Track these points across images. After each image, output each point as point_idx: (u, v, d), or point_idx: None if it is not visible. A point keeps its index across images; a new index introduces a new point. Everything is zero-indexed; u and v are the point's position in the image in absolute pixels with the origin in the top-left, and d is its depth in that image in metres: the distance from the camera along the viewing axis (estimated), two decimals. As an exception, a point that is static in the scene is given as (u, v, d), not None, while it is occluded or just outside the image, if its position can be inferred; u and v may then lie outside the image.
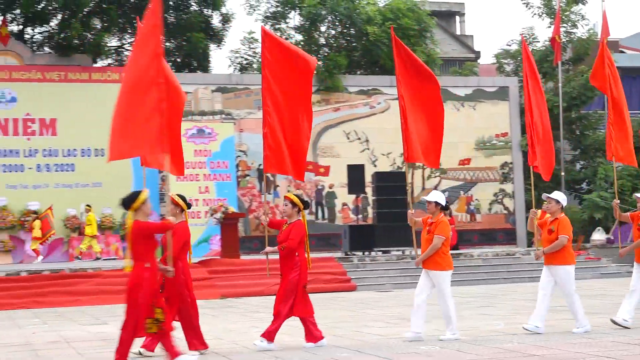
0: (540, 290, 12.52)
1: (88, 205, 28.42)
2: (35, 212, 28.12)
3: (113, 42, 37.24)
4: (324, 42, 36.10)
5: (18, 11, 34.30)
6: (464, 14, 51.64)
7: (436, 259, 11.97)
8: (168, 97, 10.55)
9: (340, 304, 19.39)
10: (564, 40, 34.55)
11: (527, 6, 36.86)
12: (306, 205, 11.95)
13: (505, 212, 34.29)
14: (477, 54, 48.55)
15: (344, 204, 32.60)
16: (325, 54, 35.22)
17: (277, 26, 36.19)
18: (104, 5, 33.83)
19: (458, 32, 50.58)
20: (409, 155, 13.22)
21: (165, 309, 9.92)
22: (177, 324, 10.93)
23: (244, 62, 37.23)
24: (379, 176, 27.56)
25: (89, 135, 29.50)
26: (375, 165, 32.03)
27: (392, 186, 26.91)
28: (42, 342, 13.51)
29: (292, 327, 14.39)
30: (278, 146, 12.29)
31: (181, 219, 11.46)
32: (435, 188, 33.73)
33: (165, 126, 10.06)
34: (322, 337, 11.67)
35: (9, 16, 34.12)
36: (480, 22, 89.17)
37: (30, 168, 29.48)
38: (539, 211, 12.96)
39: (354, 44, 35.51)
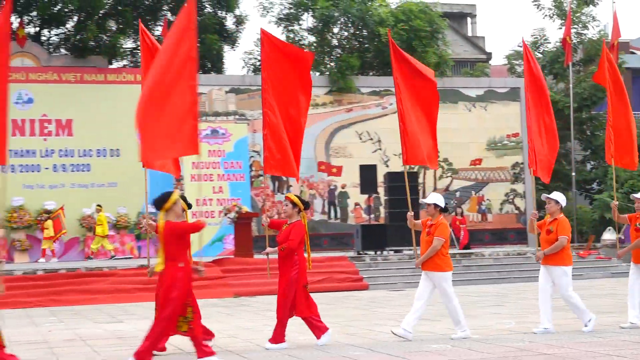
0: (540, 292, 12.47)
1: (99, 205, 28.50)
2: (47, 212, 28.20)
3: (128, 43, 37.32)
4: (337, 44, 36.09)
5: (35, 13, 34.41)
6: (475, 16, 51.55)
7: (436, 261, 11.91)
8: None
9: (353, 303, 19.40)
10: (574, 41, 34.49)
11: (538, 8, 36.80)
12: (306, 205, 11.92)
13: (516, 212, 34.22)
14: (489, 55, 48.47)
15: (357, 204, 32.59)
16: (338, 55, 35.23)
17: (290, 28, 36.21)
18: (119, 8, 33.91)
19: (470, 34, 50.50)
20: (407, 157, 13.22)
21: (195, 308, 9.97)
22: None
23: (258, 63, 37.22)
24: (391, 176, 27.56)
25: (104, 136, 29.60)
26: (387, 166, 32.01)
27: (404, 186, 26.74)
28: (58, 340, 13.56)
29: (305, 325, 14.41)
30: (280, 147, 12.25)
31: (182, 219, 11.46)
32: (447, 188, 33.73)
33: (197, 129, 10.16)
34: (327, 328, 11.68)
35: (25, 18, 34.23)
36: (491, 24, 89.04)
37: (46, 168, 29.58)
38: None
39: (366, 46, 35.49)
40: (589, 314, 12.43)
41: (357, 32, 35.44)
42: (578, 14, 35.78)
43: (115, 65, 34.95)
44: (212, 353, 9.85)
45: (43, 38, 34.71)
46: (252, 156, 31.16)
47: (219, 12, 36.08)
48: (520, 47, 38.05)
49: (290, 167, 12.41)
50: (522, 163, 34.34)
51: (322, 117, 32.72)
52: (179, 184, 29.97)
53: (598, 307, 16.36)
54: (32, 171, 29.21)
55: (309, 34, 36.31)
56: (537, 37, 38.06)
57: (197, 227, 9.84)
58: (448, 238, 12.07)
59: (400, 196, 26.25)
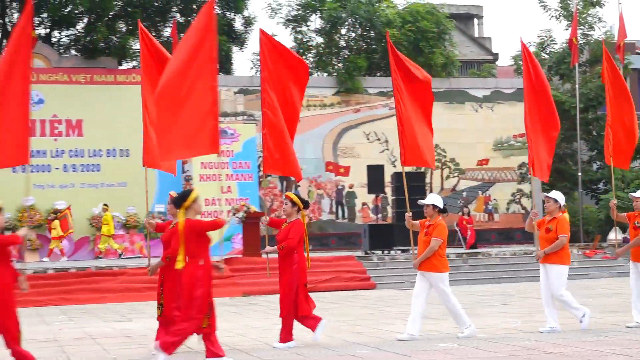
0: (542, 292, 12.42)
1: (105, 205, 28.56)
2: (54, 213, 28.25)
3: (138, 45, 37.38)
4: (344, 45, 36.10)
5: (45, 15, 34.48)
6: (482, 17, 51.51)
7: (432, 261, 11.86)
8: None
9: (360, 302, 19.40)
10: (581, 42, 34.41)
11: (544, 9, 36.73)
12: (306, 204, 11.91)
13: (522, 211, 34.16)
14: (495, 56, 48.43)
15: (364, 204, 32.59)
16: (346, 56, 35.25)
17: (298, 29, 36.23)
18: (128, 9, 33.97)
19: (476, 35, 50.47)
20: (406, 158, 13.20)
21: (212, 306, 10.00)
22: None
23: (266, 64, 37.28)
24: (398, 176, 27.51)
25: (114, 136, 29.64)
26: (394, 166, 31.97)
27: (411, 186, 26.83)
28: (68, 338, 13.60)
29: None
30: (279, 147, 12.22)
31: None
32: (454, 188, 33.72)
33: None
34: (320, 318, 11.73)
35: (36, 20, 34.29)
36: (498, 25, 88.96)
37: (57, 168, 29.63)
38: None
39: (373, 47, 35.49)
40: (582, 309, 12.39)
41: (365, 33, 35.44)
42: (584, 15, 35.71)
43: (125, 66, 35.01)
44: (222, 354, 9.86)
45: (53, 39, 34.79)
46: (260, 156, 31.11)
47: (228, 13, 36.11)
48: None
49: (290, 166, 12.37)
50: (528, 163, 34.27)
51: (329, 118, 32.73)
52: (188, 184, 30.02)
53: (604, 306, 16.36)
54: (43, 171, 29.27)
55: (316, 35, 36.33)
56: (543, 38, 37.99)
57: (217, 225, 9.91)
58: (446, 239, 12.00)
59: (408, 196, 26.30)
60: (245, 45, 37.08)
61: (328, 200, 32.34)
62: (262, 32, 12.80)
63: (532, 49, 37.52)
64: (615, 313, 14.76)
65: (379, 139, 32.85)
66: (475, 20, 51.41)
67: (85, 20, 33.59)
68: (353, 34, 35.85)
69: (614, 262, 26.72)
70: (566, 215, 12.51)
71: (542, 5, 36.72)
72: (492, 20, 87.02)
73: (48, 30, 35.45)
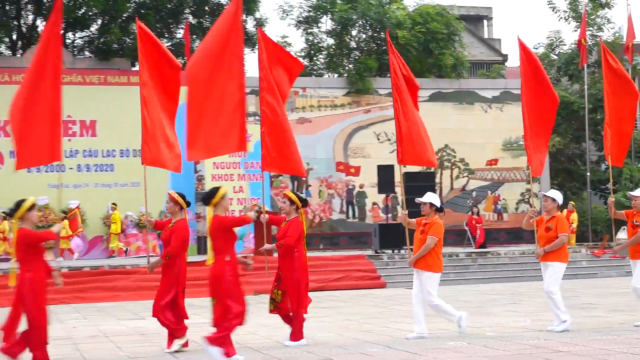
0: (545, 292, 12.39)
1: (114, 204, 28.64)
2: (64, 212, 28.31)
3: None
4: (355, 46, 36.11)
5: (59, 17, 34.52)
6: (491, 18, 51.40)
7: (427, 260, 11.82)
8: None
9: (371, 301, 19.40)
10: (589, 43, 34.34)
11: (553, 10, 36.67)
12: (304, 203, 11.91)
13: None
14: (505, 57, 48.31)
15: (374, 203, 32.58)
16: (356, 57, 35.25)
17: (310, 30, 36.25)
18: (142, 11, 34.00)
19: (486, 36, 50.36)
20: (403, 157, 13.17)
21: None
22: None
23: (277, 65, 37.28)
24: (408, 176, 27.50)
25: (127, 137, 29.66)
26: (404, 166, 31.93)
27: (421, 186, 26.85)
28: (82, 336, 13.64)
29: (324, 322, 14.45)
30: (278, 145, 12.17)
31: (180, 216, 11.51)
32: (464, 188, 33.67)
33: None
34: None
35: (50, 21, 34.38)
36: (507, 26, 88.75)
37: (71, 168, 29.69)
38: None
39: (384, 48, 35.44)
40: (567, 314, 12.27)
41: (375, 35, 35.43)
42: (593, 17, 35.63)
43: (138, 67, 35.03)
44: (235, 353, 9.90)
45: (68, 41, 34.87)
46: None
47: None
48: (537, 49, 37.99)
49: (290, 164, 12.31)
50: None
51: (340, 118, 32.73)
52: (200, 183, 30.10)
53: (613, 305, 16.32)
54: (57, 171, 29.28)
55: (327, 36, 36.35)
56: (552, 39, 37.95)
57: (244, 221, 10.08)
58: (442, 237, 11.93)
59: (418, 196, 26.28)
60: (256, 47, 37.08)
61: (339, 200, 32.34)
62: (260, 31, 12.83)
63: (541, 50, 37.54)
64: (623, 312, 14.73)
65: (389, 139, 32.81)
66: (485, 22, 51.29)
67: (99, 22, 33.67)
68: (363, 35, 35.85)
69: (623, 261, 26.63)
70: (574, 215, 12.49)
71: (551, 7, 36.67)
72: (502, 21, 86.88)
73: (62, 31, 35.49)
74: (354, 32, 35.90)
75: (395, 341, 11.61)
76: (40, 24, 34.40)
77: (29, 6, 34.71)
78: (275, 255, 11.46)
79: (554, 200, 12.46)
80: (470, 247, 29.73)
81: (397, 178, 28.68)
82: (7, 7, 34.12)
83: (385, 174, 27.82)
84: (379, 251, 26.51)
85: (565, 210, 30.88)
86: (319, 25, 36.39)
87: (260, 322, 14.80)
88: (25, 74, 10.80)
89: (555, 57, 37.63)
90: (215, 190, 10.06)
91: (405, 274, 24.50)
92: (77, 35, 35.42)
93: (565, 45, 37.74)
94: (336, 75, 35.62)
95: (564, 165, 35.99)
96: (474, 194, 33.84)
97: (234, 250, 9.98)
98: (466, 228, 30.76)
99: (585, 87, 32.97)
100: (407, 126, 13.02)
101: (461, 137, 33.59)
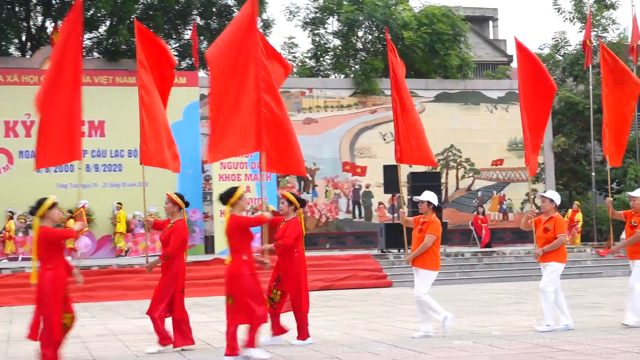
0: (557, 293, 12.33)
1: (119, 204, 28.68)
2: (69, 212, 28.33)
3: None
4: (361, 47, 36.11)
5: (68, 18, 34.58)
6: (497, 19, 51.37)
7: (425, 258, 11.83)
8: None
9: (377, 300, 19.39)
10: (594, 44, 34.29)
11: (558, 11, 36.63)
12: (302, 203, 11.88)
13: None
14: (510, 58, 48.25)
15: (380, 203, 32.58)
16: (362, 58, 35.24)
17: (316, 31, 36.25)
18: (150, 12, 34.06)
19: (491, 37, 50.33)
20: (401, 156, 13.14)
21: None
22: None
23: (284, 66, 37.26)
24: (414, 176, 27.52)
25: (135, 137, 29.26)
26: (410, 166, 31.89)
27: (427, 186, 26.82)
28: (90, 334, 13.65)
29: (330, 321, 14.45)
30: (279, 144, 12.09)
31: (179, 217, 11.50)
32: (469, 188, 33.66)
33: (263, 127, 10.33)
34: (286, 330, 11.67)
35: (59, 23, 34.45)
36: (512, 27, 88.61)
37: (79, 168, 29.66)
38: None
39: (390, 49, 35.45)
40: (552, 320, 12.16)
41: (381, 36, 35.41)
42: (598, 18, 35.59)
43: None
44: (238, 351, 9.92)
45: (76, 42, 34.89)
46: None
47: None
48: (542, 49, 37.95)
49: (290, 164, 12.24)
50: (542, 163, 34.21)
51: (347, 119, 32.74)
52: (207, 183, 30.12)
53: (617, 304, 16.27)
54: (66, 171, 29.34)
55: (334, 37, 36.36)
56: (557, 40, 37.90)
57: (261, 221, 10.15)
58: (440, 236, 11.91)
59: (423, 196, 26.28)
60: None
61: (345, 199, 32.35)
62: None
63: (546, 51, 37.48)
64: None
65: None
66: (490, 23, 51.27)
67: (108, 23, 33.71)
68: (370, 36, 35.85)
69: (627, 261, 26.57)
70: (579, 214, 12.47)
71: (556, 8, 36.64)
72: (507, 22, 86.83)
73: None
74: (360, 33, 35.91)
75: (401, 340, 11.60)
76: (49, 25, 34.46)
77: (38, 7, 34.77)
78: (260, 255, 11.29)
79: (551, 201, 12.46)
80: (476, 246, 29.71)
81: (403, 178, 28.72)
82: (17, 9, 34.19)
83: (391, 173, 27.77)
84: (385, 250, 26.50)
85: (570, 210, 30.86)
86: (326, 26, 36.42)
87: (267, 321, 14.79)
88: (45, 73, 10.80)
89: (561, 58, 37.59)
90: (232, 190, 10.14)
91: (411, 273, 24.33)
92: (86, 36, 35.44)
93: (570, 46, 37.72)
94: (342, 76, 35.62)
95: (569, 165, 35.95)
96: (479, 193, 33.81)
97: (251, 249, 10.02)
98: (472, 228, 30.76)
99: (590, 87, 32.92)
100: (405, 125, 13.00)
101: (467, 138, 33.58)
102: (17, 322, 16.22)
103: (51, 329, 9.54)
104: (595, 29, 35.26)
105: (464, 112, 33.85)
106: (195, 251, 29.84)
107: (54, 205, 9.75)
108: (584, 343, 10.60)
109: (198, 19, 35.65)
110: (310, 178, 31.74)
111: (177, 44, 37.71)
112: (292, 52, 37.80)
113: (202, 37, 35.61)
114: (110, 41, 32.66)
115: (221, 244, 28.67)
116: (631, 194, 12.94)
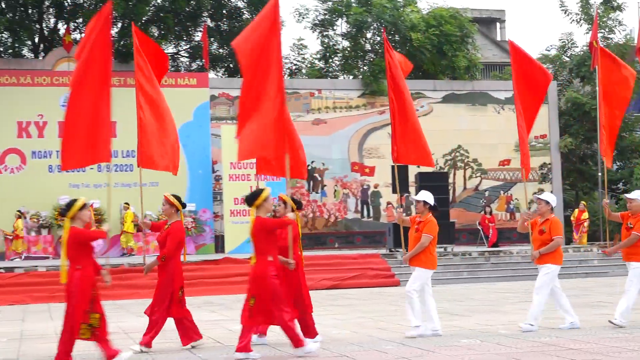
0: (550, 292, 12.27)
1: (126, 204, 28.71)
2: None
3: (169, 49, 37.53)
4: (370, 48, 36.09)
5: (80, 20, 34.72)
6: (504, 21, 51.32)
7: (421, 257, 11.80)
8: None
9: (385, 299, 19.38)
10: (601, 45, 34.21)
11: (565, 13, 36.56)
12: (299, 205, 11.86)
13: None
14: (517, 59, 48.18)
15: (389, 203, 32.56)
16: (371, 59, 35.22)
17: (325, 33, 36.25)
18: (160, 14, 34.11)
19: (498, 38, 50.27)
20: (398, 156, 13.11)
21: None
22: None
23: (293, 67, 37.31)
24: (422, 176, 27.49)
25: (146, 138, 29.71)
26: (418, 166, 31.90)
27: (435, 186, 26.88)
28: (102, 332, 13.63)
29: (339, 319, 14.44)
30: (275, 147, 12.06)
31: (176, 218, 11.47)
32: (477, 188, 33.61)
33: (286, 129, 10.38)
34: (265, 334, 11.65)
35: (72, 25, 34.55)
36: (519, 28, 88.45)
37: (91, 168, 29.60)
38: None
39: (398, 50, 35.39)
40: (537, 321, 12.08)
41: (390, 37, 35.38)
42: (604, 19, 35.51)
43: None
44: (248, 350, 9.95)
45: (88, 44, 34.95)
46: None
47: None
48: (548, 51, 37.90)
49: (284, 167, 12.21)
50: (549, 163, 34.16)
51: (355, 119, 32.73)
52: (217, 183, 30.12)
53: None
54: (78, 171, 29.33)
55: (342, 39, 36.36)
56: (564, 42, 37.82)
57: (285, 223, 10.25)
58: (436, 235, 11.86)
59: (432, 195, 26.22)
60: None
61: (354, 199, 32.34)
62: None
63: (552, 52, 37.44)
64: (635, 310, 14.63)
65: (403, 140, 32.77)
66: (498, 24, 51.23)
67: (119, 25, 33.76)
68: (378, 38, 35.83)
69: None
70: (586, 214, 12.45)
71: (563, 10, 36.56)
72: (514, 24, 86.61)
73: (83, 35, 35.63)
74: (368, 35, 35.89)
75: (409, 338, 11.58)
76: (62, 27, 34.53)
77: (51, 10, 34.84)
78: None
79: (547, 203, 12.44)
80: (483, 246, 29.67)
81: (411, 178, 28.70)
82: (30, 11, 34.28)
83: (399, 174, 27.74)
84: (393, 250, 26.48)
85: (577, 210, 30.80)
86: (335, 28, 36.41)
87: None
88: (73, 76, 10.76)
89: (567, 59, 37.51)
90: (259, 192, 10.27)
91: (419, 272, 24.49)
92: (81, 38, 35.51)
93: (577, 47, 37.65)
94: (351, 77, 35.61)
95: (575, 165, 35.87)
96: (486, 193, 33.77)
97: (276, 251, 10.06)
98: (479, 227, 30.73)
99: (597, 88, 32.80)
100: (402, 126, 12.97)
101: (474, 138, 33.55)
102: (29, 320, 16.27)
103: (72, 328, 9.61)
104: (602, 31, 35.19)
105: (472, 113, 33.81)
106: (205, 250, 29.88)
107: (84, 206, 9.81)
108: (590, 342, 10.59)
109: (208, 21, 35.70)
110: (319, 177, 31.80)
111: (188, 46, 37.79)
112: (301, 54, 37.83)
113: (213, 38, 35.67)
114: (122, 43, 32.71)
115: (231, 244, 28.71)
116: (628, 195, 12.90)
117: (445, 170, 32.63)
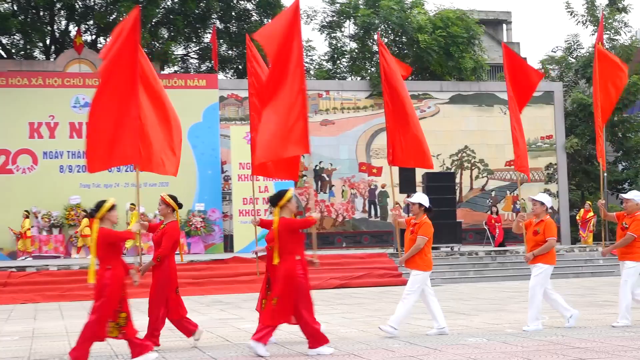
0: (545, 293, 12.21)
1: (132, 204, 28.70)
2: (85, 211, 28.38)
3: (179, 50, 37.59)
4: (377, 50, 36.05)
5: (91, 22, 34.78)
6: (510, 22, 51.23)
7: (416, 259, 11.74)
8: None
9: (392, 298, 19.34)
10: (607, 47, 34.13)
11: (571, 14, 36.50)
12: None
13: (549, 211, 33.92)
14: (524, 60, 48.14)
15: (396, 203, 32.46)
16: (378, 60, 35.19)
17: (333, 35, 36.25)
18: (170, 16, 34.15)
19: (505, 40, 50.19)
20: (393, 158, 13.06)
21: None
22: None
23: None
24: (429, 176, 27.46)
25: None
26: (427, 170, 31.89)
27: (442, 186, 26.92)
28: (112, 331, 13.63)
29: (346, 318, 14.43)
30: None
31: (172, 218, 11.44)
32: (483, 188, 33.55)
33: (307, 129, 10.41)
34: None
35: (83, 27, 34.60)
36: (526, 30, 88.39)
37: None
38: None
39: (405, 51, 35.42)
40: (536, 322, 12.03)
41: (397, 39, 35.38)
42: (610, 21, 35.43)
43: (167, 71, 35.18)
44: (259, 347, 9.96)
45: (99, 45, 35.05)
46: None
47: (265, 19, 36.21)
48: (554, 52, 37.82)
49: (280, 169, 12.15)
50: (555, 164, 34.08)
51: (363, 120, 32.71)
52: (226, 183, 30.12)
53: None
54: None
55: (350, 40, 36.37)
56: (570, 43, 37.76)
57: (309, 223, 10.26)
58: (431, 237, 11.82)
59: (439, 195, 26.20)
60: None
61: (361, 199, 32.33)
62: (248, 37, 12.78)
63: (559, 54, 37.39)
64: (635, 309, 14.59)
65: (410, 141, 32.73)
66: (504, 26, 51.14)
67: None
68: (385, 40, 35.80)
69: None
70: (591, 214, 12.40)
71: (569, 11, 36.52)
72: (521, 25, 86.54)
73: (94, 36, 35.73)
74: (376, 37, 35.87)
75: (416, 337, 11.57)
76: (73, 29, 34.57)
77: (62, 12, 34.89)
78: (254, 257, 11.27)
79: (542, 204, 12.38)
80: (490, 245, 29.63)
81: (418, 178, 28.66)
82: (41, 13, 34.34)
83: (406, 174, 27.74)
84: (400, 249, 26.41)
85: (582, 210, 30.73)
86: (342, 29, 36.43)
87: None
88: (100, 78, 10.70)
89: (573, 60, 37.44)
90: (283, 192, 10.30)
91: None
92: (108, 40, 35.57)
93: (582, 48, 37.58)
94: (359, 78, 35.60)
95: (581, 165, 35.80)
96: (493, 193, 33.72)
97: (303, 249, 10.12)
98: (485, 227, 30.68)
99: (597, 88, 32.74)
100: (400, 128, 12.90)
101: (481, 139, 33.50)
102: (40, 318, 16.29)
103: (99, 327, 9.64)
104: (608, 32, 35.12)
105: (478, 114, 33.76)
106: (214, 250, 29.89)
107: (113, 207, 9.84)
108: (596, 340, 10.55)
109: (218, 23, 35.72)
110: (327, 177, 31.82)
111: (197, 47, 37.81)
112: (309, 55, 37.85)
113: (222, 40, 35.68)
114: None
115: (240, 243, 28.72)
116: (624, 195, 12.87)
117: (452, 170, 32.58)
